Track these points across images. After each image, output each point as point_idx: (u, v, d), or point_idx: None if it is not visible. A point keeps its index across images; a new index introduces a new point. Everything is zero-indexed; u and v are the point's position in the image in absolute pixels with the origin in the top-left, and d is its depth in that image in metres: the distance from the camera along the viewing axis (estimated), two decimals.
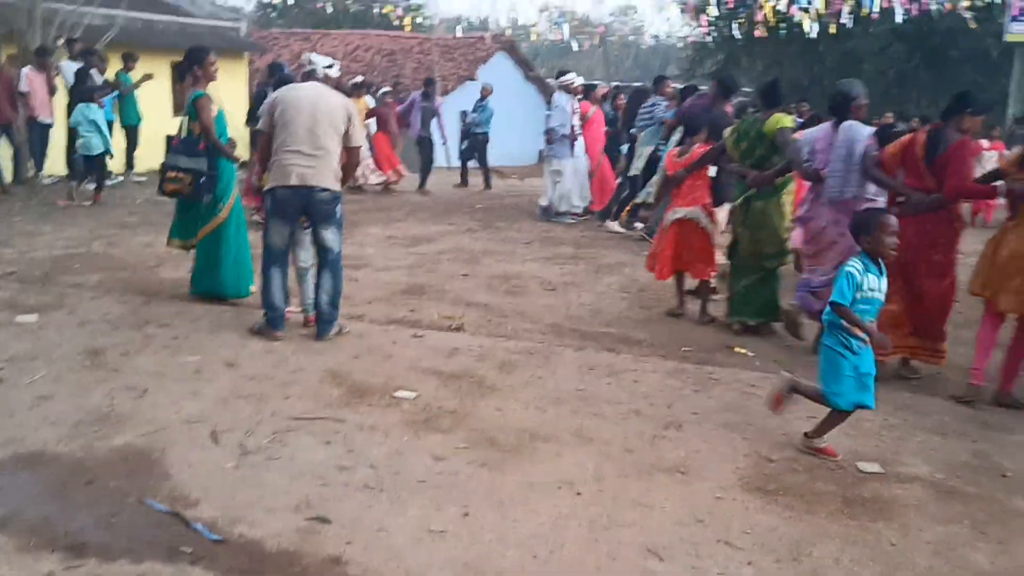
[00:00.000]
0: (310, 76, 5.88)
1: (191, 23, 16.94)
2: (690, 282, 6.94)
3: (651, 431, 4.42)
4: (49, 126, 12.32)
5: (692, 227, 6.64)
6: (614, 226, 11.02)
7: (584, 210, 12.01)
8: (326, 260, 5.74)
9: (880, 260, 4.09)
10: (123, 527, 3.27)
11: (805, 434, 4.28)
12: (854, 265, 4.04)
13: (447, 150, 15.89)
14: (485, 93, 15.40)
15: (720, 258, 6.73)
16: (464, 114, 15.64)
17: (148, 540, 3.17)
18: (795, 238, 6.41)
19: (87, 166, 11.19)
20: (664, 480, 3.87)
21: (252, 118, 11.79)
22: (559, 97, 11.80)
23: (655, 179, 7.53)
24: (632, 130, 11.06)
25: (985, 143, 12.81)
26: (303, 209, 5.64)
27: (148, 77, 12.42)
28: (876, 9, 18.46)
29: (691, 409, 4.77)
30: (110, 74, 12.64)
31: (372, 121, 14.77)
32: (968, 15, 18.68)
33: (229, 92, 13.29)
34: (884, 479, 3.97)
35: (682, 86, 11.26)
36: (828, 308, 4.08)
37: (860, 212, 4.53)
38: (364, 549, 3.18)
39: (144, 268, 7.79)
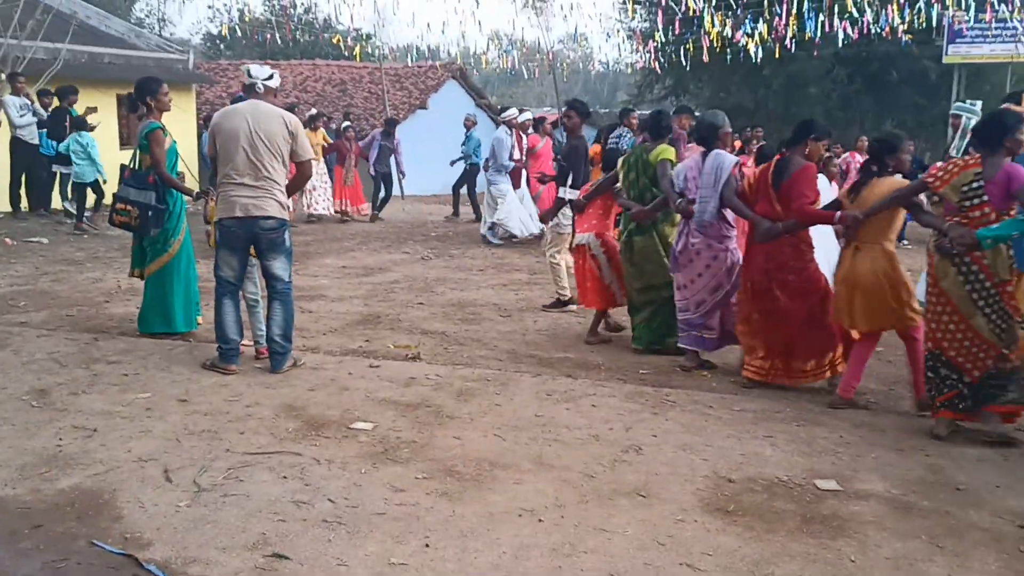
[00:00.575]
0: (250, 90, 5.73)
1: (137, 55, 16.78)
2: None
3: (611, 455, 4.42)
4: None
5: (584, 253, 6.82)
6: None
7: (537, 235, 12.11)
8: (276, 291, 5.67)
9: None
10: (73, 571, 3.17)
11: None
12: None
13: (402, 183, 16.10)
14: (469, 124, 15.58)
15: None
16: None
17: None
18: None
19: (77, 193, 11.64)
20: (625, 504, 3.86)
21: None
22: (500, 132, 12.01)
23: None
24: None
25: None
26: (250, 240, 5.58)
27: (91, 110, 12.32)
28: (819, 33, 18.88)
29: (650, 432, 4.78)
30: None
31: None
32: (906, 38, 19.17)
33: (177, 124, 13.16)
34: (842, 496, 4.00)
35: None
36: None
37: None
38: None
39: (92, 304, 7.65)
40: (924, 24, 18.26)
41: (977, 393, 4.70)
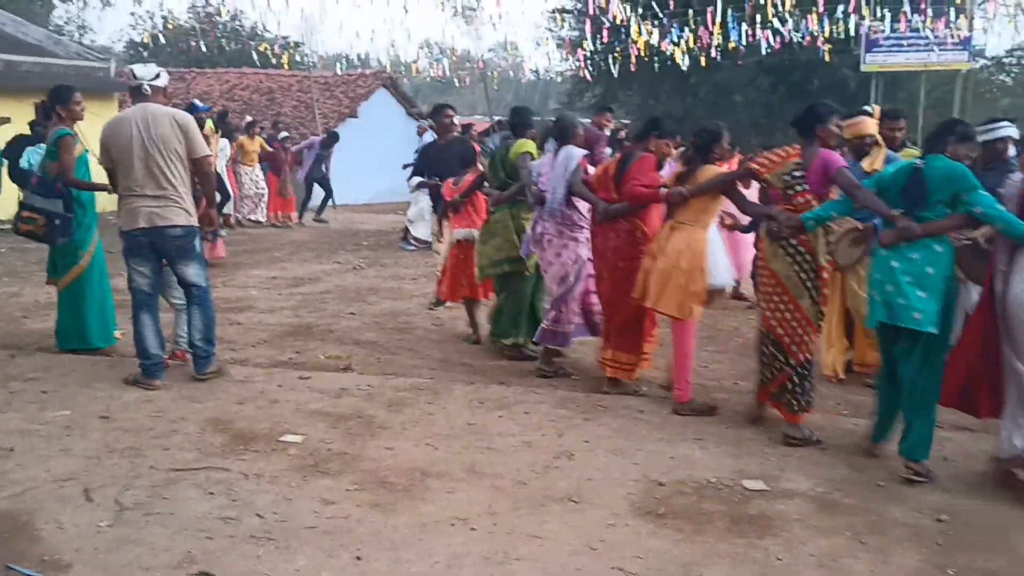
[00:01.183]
0: (137, 92, 5.53)
1: (56, 63, 16.34)
2: None
3: (543, 462, 4.43)
4: None
5: (468, 247, 7.03)
6: None
7: None
8: (193, 296, 5.62)
9: None
10: None
11: None
12: None
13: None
14: (421, 131, 15.53)
15: None
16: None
17: None
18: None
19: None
20: (557, 510, 3.87)
21: None
22: (427, 138, 12.00)
23: None
24: None
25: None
26: (158, 249, 5.48)
27: (4, 120, 11.93)
28: (743, 42, 19.30)
29: (582, 437, 4.80)
30: None
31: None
32: (825, 48, 19.69)
33: (98, 134, 12.77)
34: (769, 496, 4.08)
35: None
36: None
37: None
38: None
39: (10, 320, 7.41)
40: (842, 34, 18.79)
41: (790, 383, 4.88)
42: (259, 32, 34.57)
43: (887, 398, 4.61)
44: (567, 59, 25.53)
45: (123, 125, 5.39)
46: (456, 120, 9.21)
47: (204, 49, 26.82)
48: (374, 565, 3.32)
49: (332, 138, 15.55)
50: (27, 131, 8.33)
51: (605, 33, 20.21)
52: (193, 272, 5.56)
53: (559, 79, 40.19)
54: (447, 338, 7.17)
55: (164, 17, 35.73)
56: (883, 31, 21.25)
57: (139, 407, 5.11)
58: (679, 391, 5.34)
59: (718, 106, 23.83)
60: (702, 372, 6.10)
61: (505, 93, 53.52)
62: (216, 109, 17.47)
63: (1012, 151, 5.83)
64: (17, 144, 7.80)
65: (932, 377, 4.34)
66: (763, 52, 20.34)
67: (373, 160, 16.02)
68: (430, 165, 8.75)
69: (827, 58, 20.51)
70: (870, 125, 5.91)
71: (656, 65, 20.93)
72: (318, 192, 15.89)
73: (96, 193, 6.22)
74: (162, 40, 25.40)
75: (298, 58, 28.58)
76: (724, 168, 5.46)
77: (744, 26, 19.03)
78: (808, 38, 19.34)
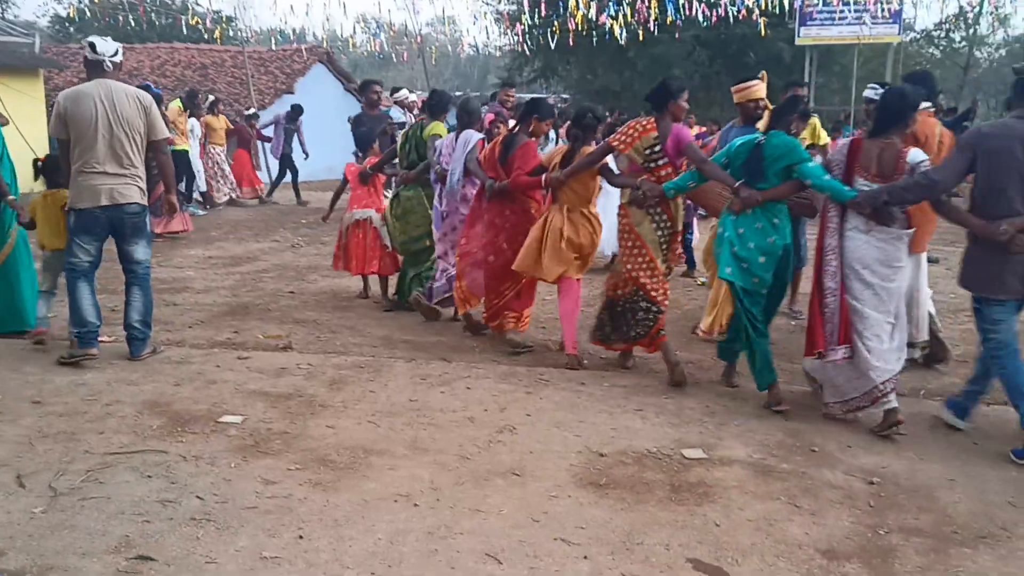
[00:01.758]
0: (96, 67, 5.43)
1: None
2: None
3: (486, 436, 4.44)
4: None
5: (367, 227, 7.46)
6: None
7: None
8: (136, 275, 5.61)
9: None
10: None
11: None
12: None
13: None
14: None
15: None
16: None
17: None
18: None
19: None
20: (500, 484, 3.89)
21: None
22: (395, 113, 11.92)
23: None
24: None
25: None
26: (112, 226, 5.43)
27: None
28: (680, 16, 19.40)
29: (524, 411, 4.83)
30: None
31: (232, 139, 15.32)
32: (761, 21, 19.90)
33: (24, 112, 12.42)
34: (708, 464, 4.16)
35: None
36: None
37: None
38: None
39: None
40: (777, 7, 18.99)
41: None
42: (190, 6, 33.72)
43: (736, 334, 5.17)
44: (505, 34, 25.40)
45: (85, 100, 5.30)
46: (413, 97, 9.27)
47: (133, 24, 26.07)
48: (316, 543, 3.31)
49: (296, 111, 15.31)
50: None
51: (543, 7, 20.14)
52: (141, 251, 5.57)
53: (498, 54, 40.02)
54: (388, 315, 7.13)
55: None
56: (817, 5, 21.55)
57: (72, 391, 5.00)
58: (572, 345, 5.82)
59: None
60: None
61: (444, 68, 53.08)
62: (164, 87, 17.19)
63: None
64: None
65: (767, 318, 5.08)
66: (700, 26, 20.49)
67: (310, 137, 15.77)
68: (361, 136, 8.83)
69: (763, 32, 20.74)
70: (759, 90, 6.28)
71: (594, 39, 20.94)
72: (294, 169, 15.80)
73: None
74: (88, 14, 24.56)
75: (231, 33, 27.96)
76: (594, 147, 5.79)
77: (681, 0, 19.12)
78: (743, 11, 19.51)
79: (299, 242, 11.21)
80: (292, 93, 21.13)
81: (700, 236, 9.32)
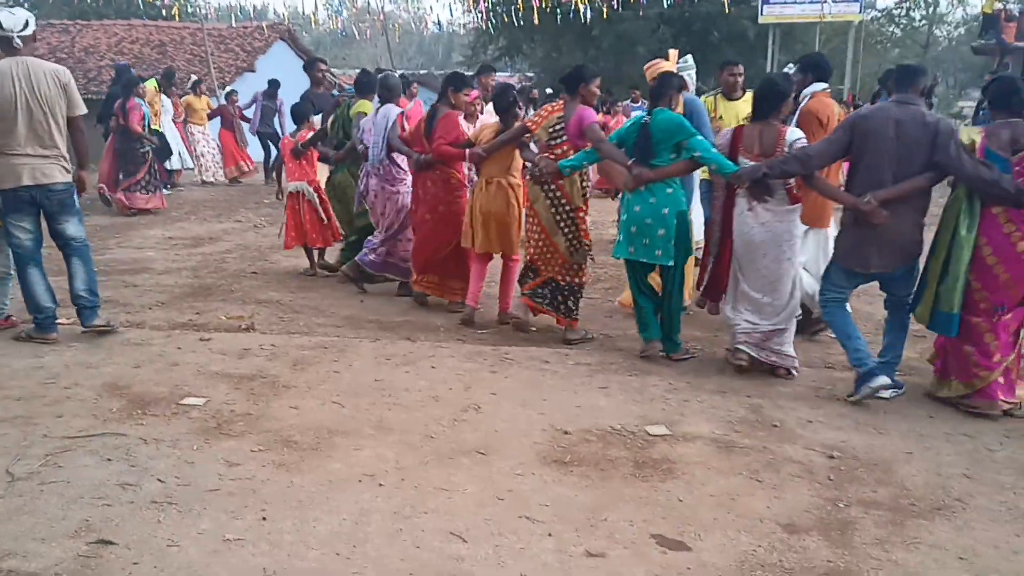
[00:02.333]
0: (6, 44, 5.27)
1: None
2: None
3: (451, 415, 4.44)
4: None
5: (301, 200, 7.65)
6: None
7: None
8: (74, 250, 5.59)
9: None
10: None
11: None
12: None
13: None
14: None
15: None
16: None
17: None
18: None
19: None
20: (465, 463, 3.89)
21: (104, 121, 12.20)
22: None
23: None
24: None
25: None
26: (38, 205, 5.39)
27: None
28: None
29: (489, 390, 4.83)
30: None
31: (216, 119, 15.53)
32: (725, 0, 19.93)
33: None
34: (671, 440, 4.19)
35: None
36: None
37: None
38: (154, 568, 3.00)
39: None
40: None
41: (557, 297, 5.79)
42: None
43: (646, 310, 5.42)
44: (469, 11, 25.20)
45: (2, 81, 5.18)
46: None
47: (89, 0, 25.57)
48: (280, 525, 3.30)
49: (273, 86, 15.15)
50: None
51: None
52: (73, 227, 5.54)
53: (463, 32, 39.72)
54: (352, 295, 7.09)
55: None
56: None
57: (29, 374, 4.92)
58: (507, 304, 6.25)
59: (621, 57, 23.90)
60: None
61: (408, 46, 52.62)
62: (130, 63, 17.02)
63: None
64: None
65: (677, 290, 5.34)
66: (664, 4, 20.47)
67: None
68: (296, 112, 8.95)
69: (726, 10, 20.78)
70: (663, 68, 6.39)
71: (559, 17, 20.84)
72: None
73: None
74: None
75: (189, 9, 27.47)
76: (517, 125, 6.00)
77: None
78: None
79: (261, 222, 11.09)
80: (253, 71, 20.87)
81: None
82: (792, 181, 4.87)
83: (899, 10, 33.85)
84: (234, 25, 23.66)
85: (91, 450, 3.93)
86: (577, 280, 5.74)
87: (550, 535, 3.27)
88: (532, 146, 5.81)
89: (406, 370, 5.16)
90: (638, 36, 23.66)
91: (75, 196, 5.54)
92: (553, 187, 5.56)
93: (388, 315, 6.50)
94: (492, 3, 21.31)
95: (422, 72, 30.78)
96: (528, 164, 5.81)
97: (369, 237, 7.12)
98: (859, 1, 22.03)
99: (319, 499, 3.51)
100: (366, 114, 7.02)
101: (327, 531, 3.27)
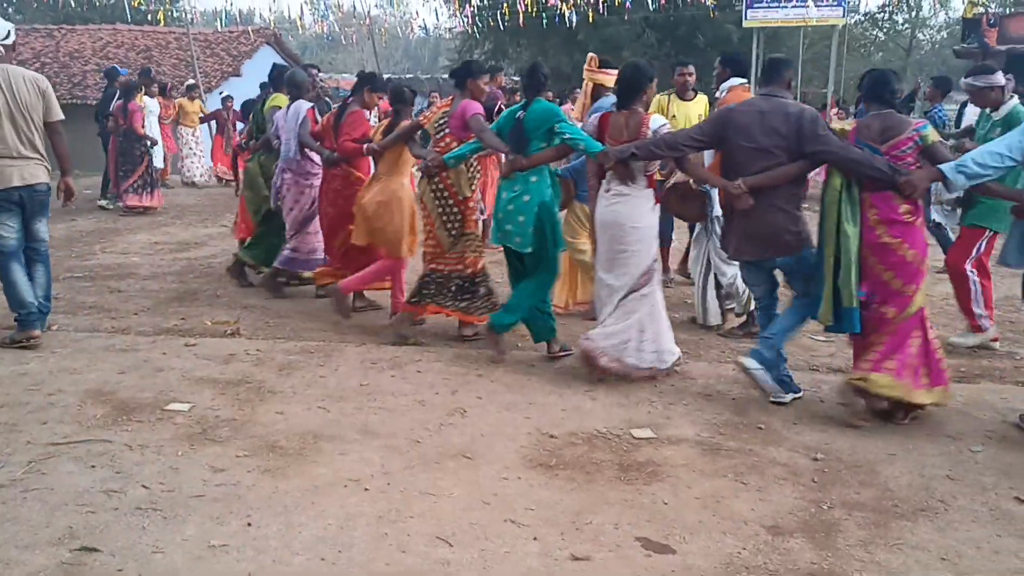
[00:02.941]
0: None
1: None
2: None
3: (436, 419, 4.44)
4: None
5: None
6: None
7: None
8: (39, 252, 5.71)
9: None
10: None
11: None
12: None
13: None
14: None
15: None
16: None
17: None
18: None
19: None
20: (451, 467, 3.90)
21: (99, 119, 12.66)
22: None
23: None
24: None
25: None
26: (22, 203, 5.50)
27: None
28: None
29: (475, 394, 4.84)
30: None
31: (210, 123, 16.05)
32: (709, 3, 20.01)
33: None
34: (656, 443, 4.20)
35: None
36: None
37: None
38: (139, 575, 2.99)
39: None
40: None
41: (462, 297, 5.82)
42: None
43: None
44: (455, 15, 25.22)
45: None
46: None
47: (73, 4, 25.44)
48: (265, 531, 3.29)
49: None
50: None
51: None
52: (44, 228, 5.72)
53: (449, 36, 39.72)
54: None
55: None
56: None
57: (13, 381, 4.89)
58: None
59: (606, 61, 23.93)
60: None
61: (394, 50, 52.59)
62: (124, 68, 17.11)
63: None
64: None
65: (536, 279, 5.42)
66: (649, 8, 20.55)
67: None
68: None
69: (711, 14, 20.86)
70: (600, 79, 6.52)
71: (544, 21, 20.89)
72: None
73: None
74: None
75: (175, 14, 27.40)
76: (408, 122, 6.15)
77: None
78: None
79: None
80: (239, 75, 20.84)
81: None
82: (655, 168, 5.06)
83: (882, 14, 34.06)
84: (220, 29, 23.59)
85: (75, 457, 3.91)
86: (469, 271, 5.79)
87: (535, 539, 3.28)
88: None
89: (392, 374, 5.16)
90: (623, 40, 23.71)
91: (50, 197, 5.68)
92: (437, 180, 5.71)
93: (374, 319, 6.49)
94: (478, 7, 21.35)
95: (408, 77, 30.79)
96: (419, 160, 5.98)
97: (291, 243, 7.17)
98: (842, 5, 22.13)
99: (304, 504, 3.51)
100: (279, 108, 7.17)
101: (312, 536, 3.26)
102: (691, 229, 6.62)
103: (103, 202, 12.71)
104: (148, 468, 3.81)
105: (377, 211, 6.02)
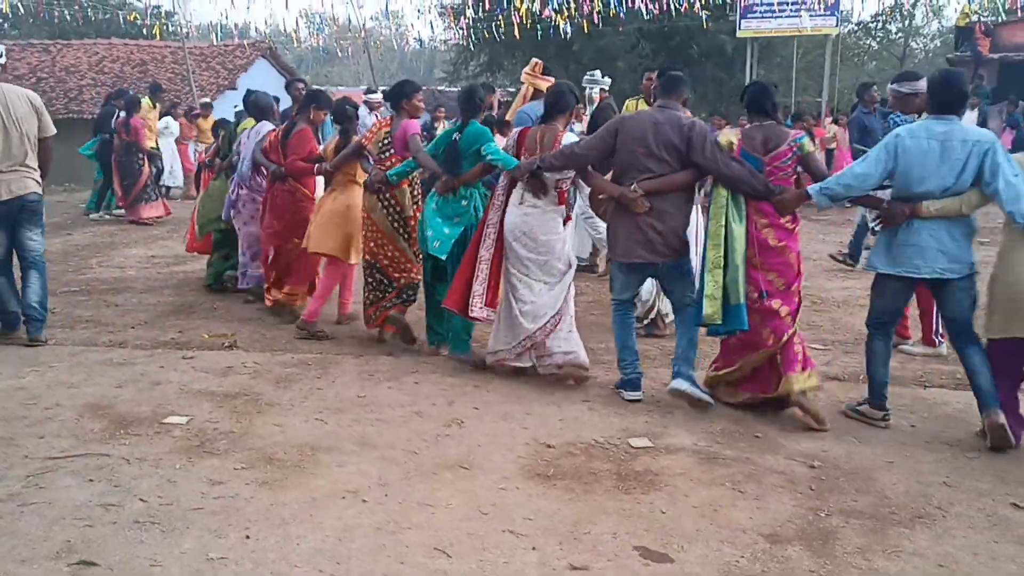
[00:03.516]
0: None
1: None
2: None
3: (434, 431, 4.45)
4: None
5: None
6: None
7: None
8: (33, 261, 5.89)
9: None
10: None
11: None
12: None
13: None
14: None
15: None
16: None
17: None
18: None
19: None
20: (449, 477, 3.90)
21: (97, 137, 12.84)
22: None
23: None
24: None
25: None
26: (13, 216, 5.77)
27: None
28: (623, 9, 19.50)
29: (472, 404, 4.84)
30: None
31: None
32: (703, 14, 20.09)
33: None
34: (653, 452, 4.21)
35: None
36: None
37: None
38: None
39: None
40: (719, 0, 19.17)
41: (400, 295, 6.08)
42: (128, 1, 33.02)
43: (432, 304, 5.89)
44: (450, 27, 25.30)
45: None
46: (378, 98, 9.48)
47: (69, 19, 25.49)
48: (263, 543, 3.29)
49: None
50: None
51: (487, 1, 20.12)
52: (38, 237, 5.91)
53: (444, 48, 39.85)
54: (335, 312, 7.08)
55: None
56: None
57: (11, 395, 4.89)
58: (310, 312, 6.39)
59: (601, 73, 24.00)
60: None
61: (390, 63, 52.69)
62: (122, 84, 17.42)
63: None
64: None
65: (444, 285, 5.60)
66: (643, 19, 20.63)
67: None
68: None
69: (704, 24, 20.95)
70: (540, 85, 6.68)
71: (539, 33, 20.97)
72: None
73: None
74: (22, 9, 23.92)
75: (170, 28, 27.45)
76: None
77: None
78: (686, 4, 19.69)
79: None
80: (235, 89, 20.84)
81: None
82: (566, 184, 5.24)
83: (875, 23, 34.20)
84: (215, 43, 23.65)
85: (73, 471, 3.91)
86: (407, 280, 6.09)
87: (534, 549, 3.28)
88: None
89: (389, 386, 5.16)
90: (617, 51, 23.81)
91: (43, 208, 5.90)
92: (388, 196, 5.95)
93: (370, 332, 6.49)
94: (473, 19, 21.42)
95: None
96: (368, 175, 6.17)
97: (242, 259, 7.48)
98: (836, 15, 22.24)
99: (302, 516, 3.51)
100: (247, 129, 7.43)
101: (310, 548, 3.26)
102: None
103: (95, 215, 12.99)
104: (146, 481, 3.81)
105: (332, 220, 6.29)
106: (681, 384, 4.77)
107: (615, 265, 5.18)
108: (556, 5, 19.64)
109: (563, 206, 5.28)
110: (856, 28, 33.55)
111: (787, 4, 21.17)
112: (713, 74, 24.48)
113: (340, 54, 30.81)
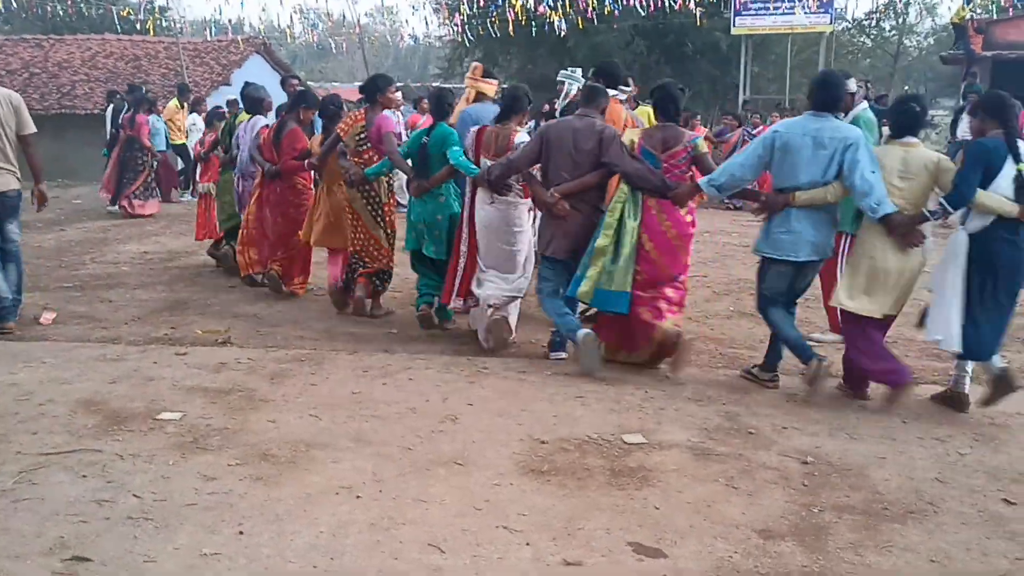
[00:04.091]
0: None
1: None
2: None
3: (428, 427, 4.45)
4: None
5: (209, 200, 8.81)
6: None
7: None
8: (10, 253, 6.21)
9: None
10: None
11: None
12: None
13: None
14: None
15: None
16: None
17: None
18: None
19: None
20: (443, 473, 3.90)
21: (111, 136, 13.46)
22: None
23: None
24: None
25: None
26: None
27: None
28: (618, 6, 19.49)
29: (466, 401, 4.84)
30: None
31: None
32: (697, 11, 20.08)
33: None
34: (647, 448, 4.22)
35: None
36: None
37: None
38: None
39: None
40: None
41: (373, 279, 6.64)
42: None
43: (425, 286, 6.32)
44: (444, 23, 25.25)
45: None
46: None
47: (62, 14, 25.40)
48: (257, 539, 3.29)
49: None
50: None
51: None
52: (15, 229, 6.22)
53: (439, 44, 39.79)
54: (330, 308, 7.08)
55: None
56: None
57: (3, 391, 4.88)
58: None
59: (583, 71, 24.00)
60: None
61: (384, 59, 52.57)
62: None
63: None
64: None
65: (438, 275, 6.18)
66: (638, 15, 20.62)
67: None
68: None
69: (699, 21, 20.95)
70: (483, 88, 6.96)
71: (534, 29, 20.95)
72: None
73: None
74: (15, 4, 23.82)
75: (164, 23, 27.37)
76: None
77: None
78: (680, 1, 19.68)
79: None
80: (229, 85, 20.77)
81: None
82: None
83: (869, 21, 34.23)
84: (209, 39, 23.57)
85: (66, 466, 3.90)
86: (391, 265, 6.67)
87: (528, 544, 3.29)
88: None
89: (383, 382, 5.16)
90: (612, 48, 23.74)
91: (21, 202, 6.21)
92: (368, 188, 6.43)
93: (364, 327, 6.50)
94: (468, 16, 21.38)
95: (398, 85, 30.74)
96: (343, 170, 6.54)
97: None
98: (830, 12, 22.26)
99: (297, 512, 3.51)
100: (248, 123, 7.70)
101: (305, 544, 3.26)
102: None
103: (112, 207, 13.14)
104: (139, 477, 3.80)
105: (337, 216, 6.76)
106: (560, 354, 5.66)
107: (542, 258, 5.70)
108: (551, 1, 19.63)
109: (529, 198, 5.67)
110: (850, 25, 33.58)
111: (781, 1, 21.18)
112: (708, 71, 24.45)
113: (335, 50, 30.71)
